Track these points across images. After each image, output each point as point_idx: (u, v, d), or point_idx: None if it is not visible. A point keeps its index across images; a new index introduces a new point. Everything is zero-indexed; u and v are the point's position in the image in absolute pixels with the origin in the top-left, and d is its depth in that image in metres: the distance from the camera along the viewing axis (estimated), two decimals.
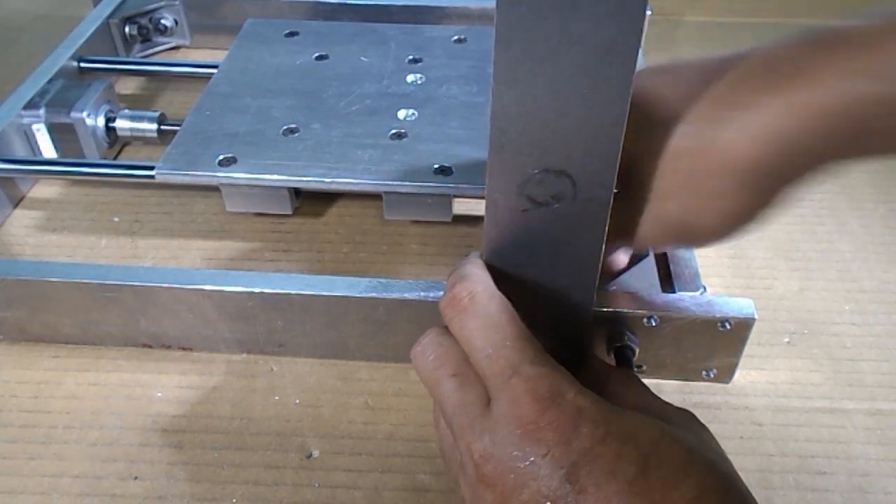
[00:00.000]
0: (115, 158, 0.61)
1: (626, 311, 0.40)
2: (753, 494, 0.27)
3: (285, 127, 0.53)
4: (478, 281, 0.31)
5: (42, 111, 0.56)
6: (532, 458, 0.27)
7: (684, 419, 0.32)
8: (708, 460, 0.28)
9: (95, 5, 0.70)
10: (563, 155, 0.29)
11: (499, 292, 0.31)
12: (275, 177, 0.49)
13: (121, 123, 0.58)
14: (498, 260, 0.33)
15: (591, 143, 0.29)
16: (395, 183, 0.48)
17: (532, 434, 0.27)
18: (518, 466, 0.27)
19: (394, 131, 0.52)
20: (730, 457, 0.40)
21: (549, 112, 0.28)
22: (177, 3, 0.71)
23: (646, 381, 0.42)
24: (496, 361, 0.29)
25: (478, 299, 0.31)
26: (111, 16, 0.68)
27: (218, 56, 0.63)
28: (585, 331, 0.36)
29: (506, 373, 0.29)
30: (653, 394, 0.34)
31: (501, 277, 0.33)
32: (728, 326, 0.40)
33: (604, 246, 0.32)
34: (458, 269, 0.33)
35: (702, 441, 0.30)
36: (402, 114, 0.54)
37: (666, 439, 0.28)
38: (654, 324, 0.40)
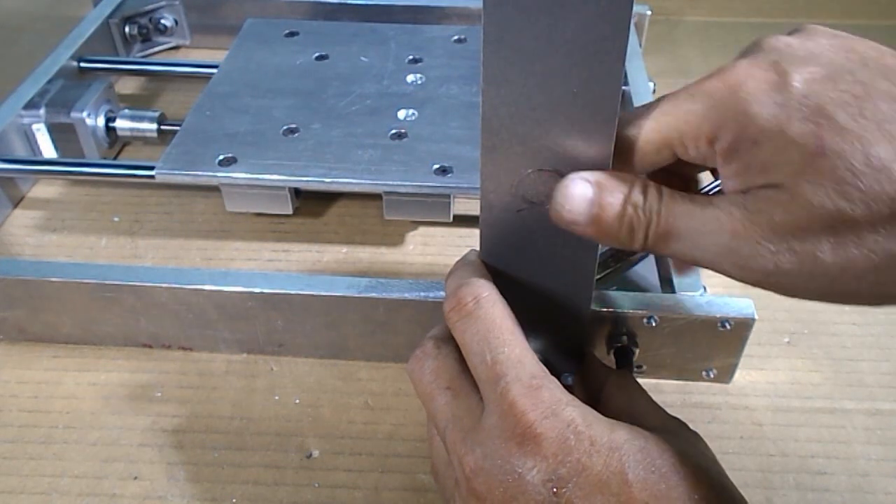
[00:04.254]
0: (115, 158, 0.61)
1: (626, 311, 0.40)
2: (753, 494, 0.27)
3: (285, 127, 0.53)
4: (483, 286, 0.31)
5: (42, 111, 0.56)
6: (520, 472, 0.27)
7: (675, 426, 0.32)
8: (696, 468, 0.28)
9: (95, 5, 0.70)
10: (555, 154, 0.29)
11: (502, 298, 0.31)
12: (275, 177, 0.49)
13: (121, 123, 0.58)
14: (495, 260, 0.33)
15: (583, 141, 0.28)
16: (395, 183, 0.48)
17: (520, 447, 0.27)
18: (507, 480, 0.27)
19: (394, 131, 0.52)
20: (730, 457, 0.40)
21: (539, 112, 0.28)
22: (177, 3, 0.71)
23: (646, 381, 0.42)
24: (490, 368, 0.29)
25: (482, 305, 0.30)
26: (111, 16, 0.68)
27: (218, 56, 0.63)
28: (583, 331, 0.36)
29: (498, 382, 0.29)
30: (648, 398, 0.34)
31: (498, 277, 0.33)
32: (728, 326, 0.40)
33: (599, 245, 0.32)
34: (459, 272, 0.33)
35: (691, 448, 0.29)
36: (402, 114, 0.54)
37: (653, 450, 0.28)
38: (654, 324, 0.40)
